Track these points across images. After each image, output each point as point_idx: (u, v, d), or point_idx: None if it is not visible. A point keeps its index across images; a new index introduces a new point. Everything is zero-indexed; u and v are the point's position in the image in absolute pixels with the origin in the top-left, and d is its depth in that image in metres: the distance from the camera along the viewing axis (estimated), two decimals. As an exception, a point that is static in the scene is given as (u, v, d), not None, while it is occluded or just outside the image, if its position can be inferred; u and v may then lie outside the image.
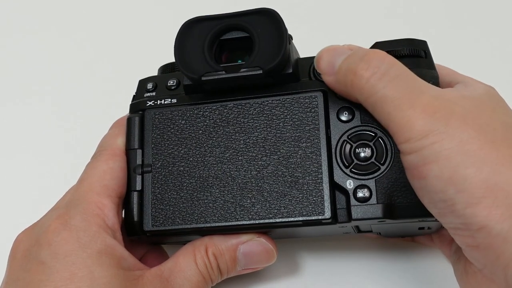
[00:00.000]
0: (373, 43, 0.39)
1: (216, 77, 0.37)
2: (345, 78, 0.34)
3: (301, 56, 0.40)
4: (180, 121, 0.39)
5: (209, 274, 0.38)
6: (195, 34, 0.38)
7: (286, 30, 0.37)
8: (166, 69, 0.43)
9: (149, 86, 0.41)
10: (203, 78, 0.37)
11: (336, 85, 0.36)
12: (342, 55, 0.35)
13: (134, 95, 0.42)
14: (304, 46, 0.41)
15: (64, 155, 0.52)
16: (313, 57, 0.39)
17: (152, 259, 0.42)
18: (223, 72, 0.37)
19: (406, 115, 0.32)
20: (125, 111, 0.42)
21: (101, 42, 0.58)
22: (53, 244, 0.35)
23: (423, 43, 0.38)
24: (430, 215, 0.35)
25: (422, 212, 0.34)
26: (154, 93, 0.41)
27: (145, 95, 0.41)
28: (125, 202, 0.39)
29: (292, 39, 0.39)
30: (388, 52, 0.37)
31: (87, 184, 0.38)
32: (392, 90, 0.32)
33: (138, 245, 0.41)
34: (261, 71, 0.36)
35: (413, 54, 0.37)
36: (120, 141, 0.40)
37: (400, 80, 0.33)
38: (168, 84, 0.41)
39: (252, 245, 0.38)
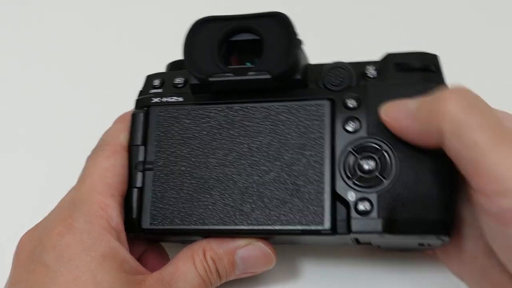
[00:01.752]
0: (383, 53, 0.38)
1: (223, 78, 0.37)
2: (429, 113, 0.33)
3: (312, 62, 0.40)
4: (185, 120, 0.39)
5: (209, 278, 0.38)
6: (205, 33, 0.38)
7: (296, 35, 0.36)
8: (174, 66, 0.43)
9: (156, 82, 0.41)
10: (210, 79, 0.37)
11: (411, 125, 0.34)
12: (413, 101, 0.34)
13: (140, 91, 0.42)
14: (315, 51, 0.40)
15: (67, 153, 0.51)
16: (323, 64, 0.38)
17: (151, 258, 0.42)
18: (231, 74, 0.37)
19: (500, 150, 0.30)
20: (131, 107, 0.42)
21: (109, 37, 0.57)
22: (57, 247, 0.35)
23: (434, 57, 0.38)
24: (431, 233, 0.34)
25: (423, 229, 0.34)
26: (160, 90, 0.41)
27: (151, 91, 0.41)
28: (125, 198, 0.39)
29: (303, 44, 0.39)
30: (398, 64, 0.37)
31: (89, 183, 0.38)
32: (487, 122, 0.31)
33: (138, 243, 0.41)
34: (269, 76, 0.36)
35: (423, 67, 0.37)
36: (123, 137, 0.40)
37: (492, 115, 0.32)
38: (175, 82, 0.41)
39: (250, 250, 0.38)
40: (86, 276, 0.34)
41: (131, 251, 0.38)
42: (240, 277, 0.40)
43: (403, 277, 0.42)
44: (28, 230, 0.38)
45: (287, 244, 0.42)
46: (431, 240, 0.36)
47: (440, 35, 0.51)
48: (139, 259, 0.41)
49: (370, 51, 0.39)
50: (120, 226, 0.37)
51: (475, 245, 0.38)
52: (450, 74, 0.38)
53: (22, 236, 0.38)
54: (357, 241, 0.38)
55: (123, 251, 0.37)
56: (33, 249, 0.36)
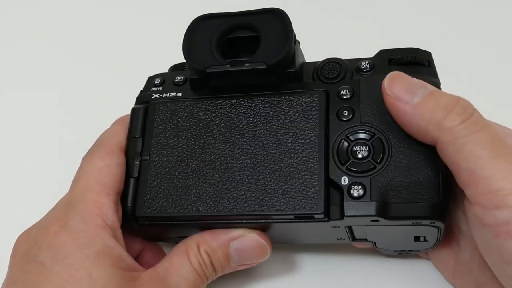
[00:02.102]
0: (377, 50, 0.39)
1: (220, 69, 0.38)
2: (432, 115, 0.33)
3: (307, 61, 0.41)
4: (182, 113, 0.40)
5: (204, 272, 0.38)
6: (205, 29, 0.39)
7: (292, 29, 0.38)
8: (176, 69, 0.44)
9: (157, 81, 0.42)
10: (208, 70, 0.38)
11: (411, 117, 0.34)
12: (422, 88, 0.34)
13: (141, 90, 0.43)
14: (310, 51, 0.41)
15: (67, 154, 0.51)
16: (318, 61, 0.39)
17: (149, 257, 0.42)
18: (228, 66, 0.38)
19: (498, 162, 0.30)
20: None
21: (111, 39, 0.59)
22: (53, 246, 0.35)
23: (427, 54, 0.39)
24: (424, 217, 0.34)
25: (416, 212, 0.34)
26: (160, 88, 0.42)
27: (152, 89, 0.42)
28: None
29: (299, 44, 0.40)
30: (392, 59, 0.38)
31: (83, 183, 0.38)
32: (485, 136, 0.32)
33: (135, 242, 0.41)
34: (264, 66, 0.37)
35: (416, 62, 0.38)
36: (119, 138, 0.40)
37: (491, 129, 0.32)
38: (175, 80, 0.42)
39: (244, 241, 0.38)
40: (80, 274, 0.34)
41: (129, 251, 0.38)
42: (235, 270, 0.39)
43: (399, 274, 0.42)
44: (24, 231, 0.38)
45: (285, 242, 0.42)
46: (425, 228, 0.35)
47: (435, 37, 0.52)
48: (136, 259, 0.41)
49: (364, 48, 0.40)
50: (116, 224, 0.37)
51: (471, 257, 0.38)
52: (445, 74, 0.39)
53: (18, 237, 0.38)
54: (352, 233, 0.38)
55: (119, 249, 0.36)
56: (29, 249, 0.36)
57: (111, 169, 0.38)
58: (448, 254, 0.40)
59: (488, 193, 0.31)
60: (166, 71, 0.45)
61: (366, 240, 0.39)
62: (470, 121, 0.32)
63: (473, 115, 0.32)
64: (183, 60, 0.40)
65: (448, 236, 0.39)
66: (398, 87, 0.34)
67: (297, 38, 0.39)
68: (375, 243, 0.40)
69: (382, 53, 0.39)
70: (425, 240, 0.38)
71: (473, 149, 0.31)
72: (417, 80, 0.35)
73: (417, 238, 0.38)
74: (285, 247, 0.43)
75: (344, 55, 0.40)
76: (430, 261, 0.42)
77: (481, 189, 0.31)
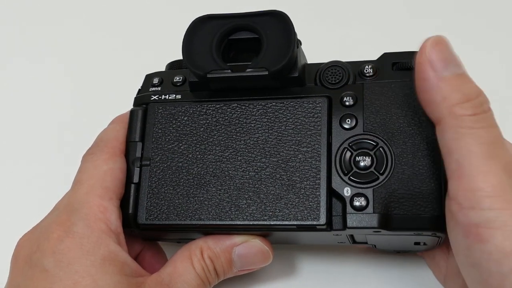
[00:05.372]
0: (381, 53, 0.39)
1: (221, 75, 0.37)
2: (450, 95, 0.32)
3: (309, 62, 0.40)
4: (182, 117, 0.39)
5: (207, 277, 0.38)
6: (204, 31, 0.38)
7: (295, 33, 0.37)
8: (173, 66, 0.43)
9: (155, 81, 0.41)
10: (209, 75, 0.37)
11: (431, 86, 0.32)
12: (456, 65, 0.33)
13: (139, 89, 0.42)
14: (312, 52, 0.40)
15: (65, 154, 0.51)
16: (321, 63, 0.39)
17: (148, 257, 0.42)
18: (229, 71, 0.37)
19: (488, 163, 0.30)
20: (129, 107, 0.42)
21: (109, 37, 0.58)
22: (56, 252, 0.35)
23: None
24: (426, 229, 0.34)
25: (418, 225, 0.34)
26: (159, 88, 0.41)
27: (150, 90, 0.41)
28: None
29: (301, 44, 0.39)
30: (395, 63, 0.38)
31: (87, 186, 0.37)
32: (487, 135, 0.31)
33: (135, 242, 0.41)
34: (266, 72, 0.36)
35: None
36: (121, 139, 0.39)
37: (496, 131, 0.32)
38: (174, 80, 0.41)
39: (247, 247, 0.38)
40: (86, 281, 0.34)
41: (129, 252, 0.38)
42: (237, 275, 0.40)
43: (399, 275, 0.42)
44: (26, 233, 0.37)
45: (285, 243, 0.42)
46: (426, 237, 0.36)
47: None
48: (136, 258, 0.41)
49: (367, 50, 0.39)
50: (119, 230, 0.37)
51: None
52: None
53: (20, 240, 0.37)
54: (352, 239, 0.38)
55: (123, 254, 0.36)
56: (31, 253, 0.36)
57: (114, 173, 0.38)
58: (440, 255, 0.40)
59: (466, 190, 0.30)
60: (164, 65, 0.44)
61: (366, 243, 0.39)
62: (480, 116, 0.31)
63: (486, 113, 0.32)
64: (181, 57, 0.39)
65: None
66: (436, 53, 0.32)
67: (298, 38, 0.38)
68: (375, 245, 0.40)
69: (386, 56, 0.38)
70: (424, 244, 0.38)
71: (469, 143, 0.31)
72: (456, 55, 0.33)
73: (417, 243, 0.38)
74: (284, 247, 0.44)
75: (346, 57, 0.39)
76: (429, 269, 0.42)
77: (462, 184, 0.31)
